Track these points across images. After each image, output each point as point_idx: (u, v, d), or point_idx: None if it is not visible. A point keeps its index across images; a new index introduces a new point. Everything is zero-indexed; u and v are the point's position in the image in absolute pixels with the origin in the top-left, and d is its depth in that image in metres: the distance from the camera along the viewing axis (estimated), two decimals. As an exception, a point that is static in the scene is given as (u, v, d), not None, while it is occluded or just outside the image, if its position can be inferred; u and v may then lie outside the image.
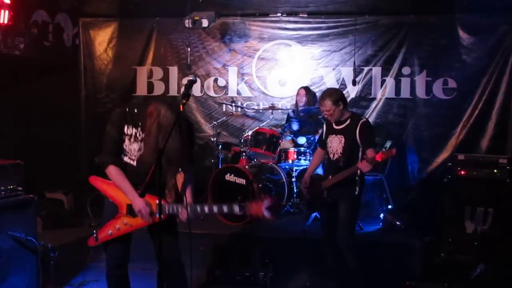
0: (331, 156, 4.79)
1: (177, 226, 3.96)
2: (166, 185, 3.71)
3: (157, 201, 3.46)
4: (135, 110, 3.78)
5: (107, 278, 3.99)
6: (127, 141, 3.78)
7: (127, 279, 4.10)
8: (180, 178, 3.82)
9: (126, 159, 3.81)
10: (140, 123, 3.74)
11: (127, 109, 3.80)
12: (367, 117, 7.25)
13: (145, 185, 3.50)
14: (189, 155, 3.89)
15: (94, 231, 3.83)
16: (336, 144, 4.75)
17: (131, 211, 3.77)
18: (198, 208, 3.71)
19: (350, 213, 4.75)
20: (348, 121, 4.74)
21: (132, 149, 3.79)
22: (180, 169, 3.80)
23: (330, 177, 4.68)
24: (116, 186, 3.80)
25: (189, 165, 3.87)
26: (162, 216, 3.51)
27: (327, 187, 4.71)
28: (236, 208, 3.66)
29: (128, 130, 3.77)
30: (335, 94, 4.73)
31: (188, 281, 4.11)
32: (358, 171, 4.55)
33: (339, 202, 4.66)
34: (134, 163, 3.79)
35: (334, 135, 4.79)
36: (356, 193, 4.72)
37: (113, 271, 3.95)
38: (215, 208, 3.73)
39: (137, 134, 3.77)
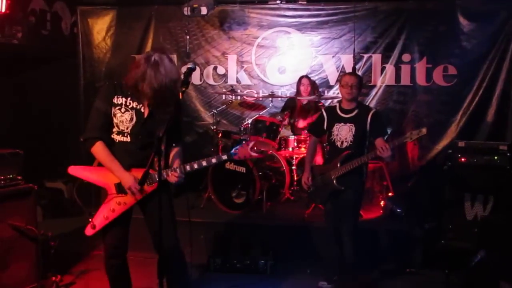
0: (338, 144, 4.74)
1: (174, 214, 3.96)
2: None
3: (145, 172, 3.50)
4: (124, 82, 3.73)
5: (106, 267, 3.97)
6: (118, 113, 3.70)
7: (127, 268, 4.09)
8: (171, 152, 3.87)
9: (119, 137, 3.72)
10: (129, 92, 3.72)
11: (115, 81, 3.81)
12: (367, 104, 7.26)
13: (144, 173, 3.52)
14: (178, 131, 3.89)
15: (90, 219, 3.73)
16: (345, 132, 4.71)
17: (120, 189, 3.72)
18: (188, 167, 3.72)
19: (358, 199, 4.80)
20: (356, 110, 4.73)
21: (124, 120, 3.70)
22: (173, 144, 3.85)
23: (338, 165, 4.62)
24: (97, 169, 3.76)
25: (178, 140, 3.89)
26: (153, 184, 3.65)
27: (338, 176, 4.66)
28: (224, 156, 3.83)
29: (118, 99, 3.72)
30: (361, 78, 4.91)
31: (188, 269, 4.12)
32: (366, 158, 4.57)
33: (347, 188, 4.64)
34: (128, 139, 3.71)
35: (342, 124, 4.74)
36: (364, 179, 4.78)
37: (112, 260, 3.93)
38: (203, 162, 3.74)
39: (127, 103, 3.72)
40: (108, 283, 4.05)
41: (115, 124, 3.70)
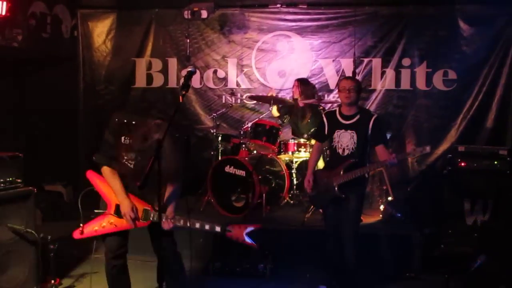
0: (340, 151, 4.69)
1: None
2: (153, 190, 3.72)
3: (144, 207, 3.67)
4: (133, 122, 3.83)
5: (106, 269, 4.00)
6: (124, 151, 3.85)
7: (127, 270, 4.11)
8: (168, 189, 3.92)
9: (124, 160, 3.88)
10: (135, 135, 3.80)
11: (125, 120, 3.85)
12: (367, 108, 7.25)
13: (145, 176, 3.52)
14: (181, 170, 3.92)
15: (81, 224, 3.88)
16: (346, 139, 4.65)
17: (118, 212, 3.86)
18: (181, 221, 3.79)
19: (359, 207, 4.77)
20: (358, 116, 4.68)
21: (129, 157, 3.86)
22: (170, 181, 3.90)
23: (341, 172, 4.59)
24: (109, 186, 3.91)
25: (177, 179, 3.93)
26: (146, 221, 3.81)
27: (340, 184, 4.64)
28: (218, 228, 3.72)
29: (125, 140, 3.84)
30: (360, 82, 4.85)
31: (186, 272, 4.20)
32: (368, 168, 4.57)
33: (348, 197, 4.62)
34: (132, 166, 3.86)
35: (343, 130, 4.69)
36: (365, 186, 4.76)
37: (112, 262, 3.97)
38: (197, 224, 3.77)
39: (134, 145, 3.84)
40: (107, 286, 4.06)
41: (122, 154, 3.86)
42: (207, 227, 3.76)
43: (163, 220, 3.76)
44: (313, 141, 5.86)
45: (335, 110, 4.87)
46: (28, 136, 7.25)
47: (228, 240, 3.67)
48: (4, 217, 4.51)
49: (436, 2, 7.66)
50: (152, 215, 3.83)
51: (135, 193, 3.86)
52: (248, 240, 3.65)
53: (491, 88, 7.57)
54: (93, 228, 3.88)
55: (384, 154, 4.49)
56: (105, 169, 3.88)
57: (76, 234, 3.89)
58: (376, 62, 7.94)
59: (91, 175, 4.00)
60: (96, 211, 3.96)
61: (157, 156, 3.39)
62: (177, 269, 4.11)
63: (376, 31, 7.90)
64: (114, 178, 3.86)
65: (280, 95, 8.03)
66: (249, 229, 3.65)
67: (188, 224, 3.77)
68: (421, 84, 7.82)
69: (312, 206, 6.11)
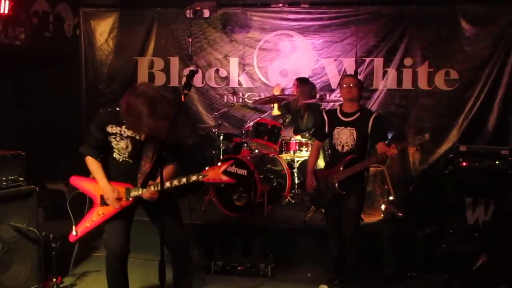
0: (339, 148, 4.71)
1: (178, 211, 4.19)
2: (139, 170, 3.88)
3: (126, 187, 3.77)
4: (117, 109, 3.88)
5: (107, 269, 4.02)
6: (113, 141, 3.92)
7: (126, 269, 4.12)
8: (167, 169, 3.94)
9: (115, 154, 3.96)
10: (124, 120, 3.84)
11: (109, 109, 3.96)
12: (369, 108, 7.25)
13: (147, 174, 3.59)
14: (179, 151, 4.04)
15: (73, 227, 4.00)
16: (346, 136, 4.68)
17: (103, 201, 3.94)
18: (165, 184, 3.77)
19: (360, 204, 4.79)
20: (358, 114, 4.71)
21: (120, 147, 3.92)
22: (169, 162, 3.97)
23: (341, 169, 4.60)
24: (91, 180, 4.01)
25: (175, 159, 4.02)
26: (129, 199, 3.86)
27: (340, 180, 4.65)
28: (194, 177, 3.75)
29: (112, 129, 3.89)
30: (361, 81, 4.96)
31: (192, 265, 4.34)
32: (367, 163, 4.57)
33: (349, 194, 4.63)
34: (124, 159, 3.94)
35: (343, 127, 4.72)
36: (365, 184, 4.76)
37: (114, 262, 3.99)
38: (174, 182, 3.80)
39: (122, 132, 3.89)
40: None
41: (113, 148, 3.95)
42: (183, 180, 3.78)
43: (144, 191, 3.81)
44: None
45: (336, 109, 4.92)
46: (30, 135, 7.26)
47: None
48: (6, 215, 4.52)
49: (438, 1, 7.64)
50: (132, 190, 3.89)
51: (119, 180, 3.94)
52: (225, 178, 3.67)
53: (493, 87, 7.55)
54: (85, 225, 3.98)
55: (384, 150, 4.50)
56: (88, 159, 3.96)
57: (71, 237, 4.02)
58: (378, 61, 7.93)
59: (74, 180, 4.12)
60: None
61: (159, 155, 3.53)
62: (186, 259, 4.22)
63: (378, 31, 7.88)
64: (96, 167, 3.93)
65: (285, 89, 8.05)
66: (224, 167, 3.66)
67: (166, 185, 3.75)
68: (423, 83, 7.81)
69: (313, 206, 6.11)
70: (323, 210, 5.12)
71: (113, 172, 3.98)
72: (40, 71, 7.69)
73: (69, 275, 5.30)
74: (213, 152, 7.40)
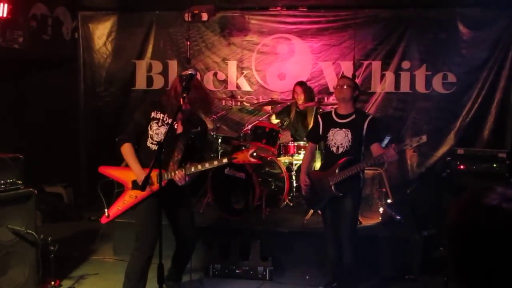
0: (334, 149, 4.71)
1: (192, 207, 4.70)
2: (171, 158, 4.19)
3: (157, 173, 3.84)
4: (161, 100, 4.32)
5: (133, 265, 4.23)
6: (155, 126, 4.24)
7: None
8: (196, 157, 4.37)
9: (148, 143, 4.23)
10: (166, 109, 4.24)
11: (155, 99, 4.48)
12: (366, 111, 7.27)
13: (146, 175, 3.70)
14: (201, 153, 4.56)
15: (105, 210, 4.22)
16: (341, 137, 4.68)
17: (135, 185, 4.17)
18: (193, 168, 4.15)
19: (356, 206, 4.77)
20: (353, 116, 4.71)
21: (159, 132, 4.22)
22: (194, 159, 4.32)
23: (336, 171, 4.60)
24: (121, 168, 4.29)
25: (201, 149, 4.54)
26: (162, 183, 3.90)
27: (336, 182, 4.65)
28: (225, 160, 4.21)
29: (157, 114, 4.25)
30: (356, 82, 5.04)
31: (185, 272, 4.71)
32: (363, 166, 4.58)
33: (345, 195, 4.63)
34: (155, 147, 4.16)
35: (337, 129, 4.71)
36: (361, 186, 4.75)
37: (145, 258, 4.19)
38: (206, 165, 4.22)
39: (164, 118, 4.24)
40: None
41: (149, 136, 4.24)
42: (215, 162, 4.28)
43: (175, 175, 4.12)
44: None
45: (331, 111, 4.89)
46: (29, 138, 7.26)
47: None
48: (5, 218, 4.51)
49: (436, 5, 7.69)
50: (164, 175, 4.05)
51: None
52: (253, 159, 4.10)
53: (490, 91, 7.60)
54: (117, 207, 4.23)
55: (379, 151, 4.50)
56: (125, 146, 4.21)
57: (103, 219, 4.26)
58: (376, 65, 7.96)
59: (103, 169, 4.32)
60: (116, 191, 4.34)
61: (164, 141, 3.78)
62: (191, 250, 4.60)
63: (376, 34, 7.92)
64: (132, 153, 4.20)
65: (279, 98, 8.05)
66: (251, 151, 4.09)
67: (200, 167, 4.16)
68: (420, 87, 7.84)
69: (310, 209, 6.11)
70: (319, 212, 5.11)
71: (147, 160, 4.12)
72: (39, 74, 7.71)
73: (68, 278, 5.30)
74: (211, 155, 7.39)
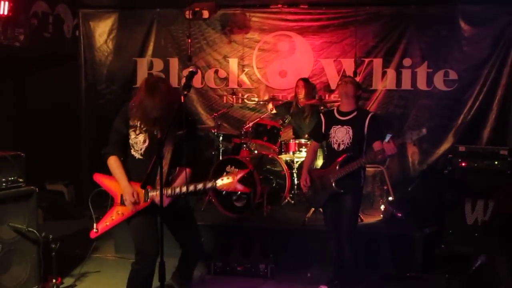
0: (335, 146, 4.73)
1: (191, 212, 4.43)
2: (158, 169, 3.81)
3: (144, 191, 3.77)
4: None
5: (136, 274, 4.03)
6: (132, 134, 3.94)
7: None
8: (178, 172, 4.03)
9: (132, 152, 3.97)
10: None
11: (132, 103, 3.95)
12: (368, 108, 7.27)
13: (147, 175, 3.59)
14: (193, 157, 4.06)
15: (94, 224, 4.02)
16: (342, 134, 4.70)
17: (122, 200, 3.95)
18: (177, 190, 3.88)
19: (357, 203, 4.79)
20: (355, 113, 4.73)
21: (138, 141, 3.94)
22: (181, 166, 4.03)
23: (337, 167, 4.61)
24: (113, 179, 3.99)
25: (190, 166, 4.02)
26: (147, 201, 3.88)
27: (337, 179, 4.65)
28: (209, 184, 3.86)
29: (134, 121, 3.93)
30: (357, 81, 5.05)
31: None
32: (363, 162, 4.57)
33: (346, 192, 4.64)
34: (140, 156, 3.95)
35: (339, 126, 4.74)
36: (362, 183, 4.76)
37: (149, 263, 3.93)
38: (190, 187, 3.87)
39: (141, 125, 3.92)
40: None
41: (130, 145, 3.97)
42: (199, 186, 3.86)
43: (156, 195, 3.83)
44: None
45: (334, 109, 4.94)
46: (30, 136, 7.27)
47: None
48: (6, 216, 4.52)
49: (437, 2, 7.66)
50: (151, 192, 3.89)
51: (139, 180, 3.87)
52: (240, 187, 3.82)
53: (492, 88, 7.57)
54: (105, 223, 4.02)
55: (380, 148, 4.50)
56: (111, 159, 3.95)
57: (92, 234, 4.05)
58: (377, 62, 7.94)
59: (97, 177, 4.10)
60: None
61: (158, 156, 3.51)
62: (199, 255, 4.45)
63: (377, 31, 7.89)
64: (118, 167, 3.93)
65: (281, 96, 8.06)
66: (240, 175, 3.81)
67: (182, 190, 3.87)
68: (422, 84, 7.82)
69: (311, 206, 6.10)
70: (321, 210, 5.11)
71: (134, 174, 3.94)
72: (40, 72, 7.70)
73: (69, 276, 5.30)
74: (213, 153, 7.41)
